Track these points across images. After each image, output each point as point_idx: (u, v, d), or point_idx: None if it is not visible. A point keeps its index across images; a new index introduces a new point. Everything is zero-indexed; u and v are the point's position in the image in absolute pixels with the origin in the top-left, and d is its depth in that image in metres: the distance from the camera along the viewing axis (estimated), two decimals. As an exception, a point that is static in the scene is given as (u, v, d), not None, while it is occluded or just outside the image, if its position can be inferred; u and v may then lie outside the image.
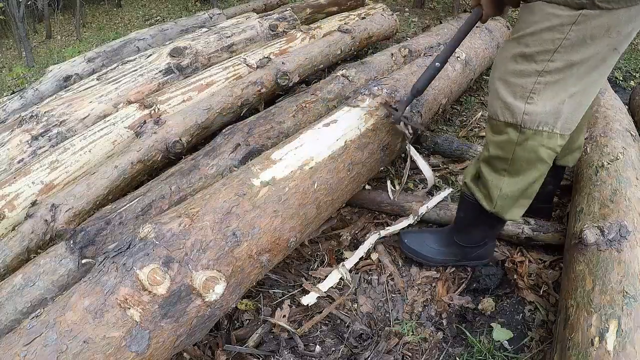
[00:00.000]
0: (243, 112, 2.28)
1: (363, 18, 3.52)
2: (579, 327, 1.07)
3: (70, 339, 0.90)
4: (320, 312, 1.44)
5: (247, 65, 2.54)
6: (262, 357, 1.32)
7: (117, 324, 0.94)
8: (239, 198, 1.20)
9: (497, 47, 2.95)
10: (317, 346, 1.36)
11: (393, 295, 1.52)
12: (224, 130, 1.85)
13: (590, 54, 0.99)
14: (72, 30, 9.20)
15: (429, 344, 1.36)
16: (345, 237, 1.72)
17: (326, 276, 1.53)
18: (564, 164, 1.56)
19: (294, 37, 2.98)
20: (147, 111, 2.13)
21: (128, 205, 1.48)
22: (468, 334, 1.38)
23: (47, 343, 0.89)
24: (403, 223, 1.72)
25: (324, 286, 1.49)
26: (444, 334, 1.40)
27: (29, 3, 8.56)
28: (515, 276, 1.53)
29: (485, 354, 1.30)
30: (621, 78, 3.57)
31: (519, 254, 1.62)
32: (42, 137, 2.05)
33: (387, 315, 1.45)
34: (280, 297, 1.50)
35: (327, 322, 1.43)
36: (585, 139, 1.71)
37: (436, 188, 1.96)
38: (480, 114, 2.64)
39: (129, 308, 0.95)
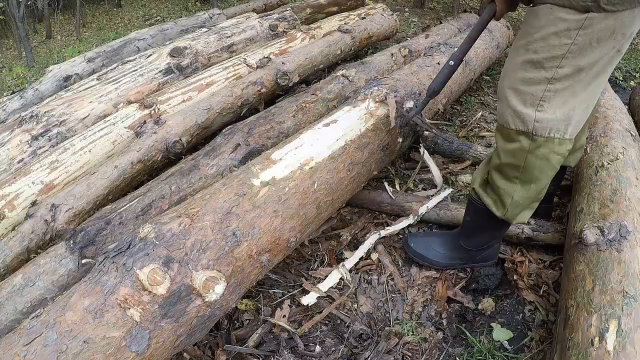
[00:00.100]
0: (243, 112, 2.28)
1: (363, 18, 3.52)
2: (579, 327, 1.07)
3: (70, 339, 0.90)
4: (320, 312, 1.44)
5: (247, 65, 2.54)
6: (262, 357, 1.32)
7: (117, 324, 0.94)
8: (239, 198, 1.20)
9: (497, 47, 2.95)
10: (317, 346, 1.36)
11: (393, 295, 1.52)
12: (224, 130, 1.85)
13: (597, 57, 0.99)
14: (72, 30, 9.20)
15: (429, 344, 1.36)
16: (345, 237, 1.72)
17: (326, 276, 1.53)
18: (566, 164, 1.56)
19: (294, 37, 2.98)
20: (147, 111, 2.13)
21: (128, 205, 1.48)
22: (468, 334, 1.38)
23: (47, 343, 0.89)
24: (403, 223, 1.72)
25: (324, 286, 1.49)
26: (444, 334, 1.40)
27: (29, 3, 8.56)
28: (515, 276, 1.53)
29: (485, 354, 1.30)
30: (621, 78, 3.57)
31: (519, 254, 1.62)
32: (42, 137, 2.05)
33: (387, 315, 1.45)
34: (280, 297, 1.50)
35: (327, 322, 1.43)
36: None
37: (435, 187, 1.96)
38: (480, 114, 2.64)
39: (129, 308, 0.95)
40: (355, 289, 1.53)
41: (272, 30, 3.16)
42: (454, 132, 2.48)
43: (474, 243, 1.49)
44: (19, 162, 1.97)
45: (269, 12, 3.45)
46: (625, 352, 0.97)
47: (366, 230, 1.76)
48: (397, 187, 1.97)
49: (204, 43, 2.78)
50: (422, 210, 1.73)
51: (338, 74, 2.26)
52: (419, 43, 2.76)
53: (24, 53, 7.04)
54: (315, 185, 1.37)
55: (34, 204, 1.65)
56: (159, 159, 1.89)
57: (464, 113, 2.70)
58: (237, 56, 2.67)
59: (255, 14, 3.51)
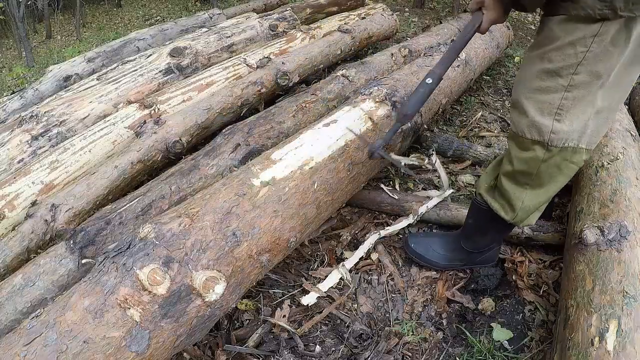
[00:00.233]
0: (243, 112, 2.28)
1: (363, 18, 3.52)
2: (579, 327, 1.07)
3: (70, 339, 0.90)
4: (320, 312, 1.44)
5: (247, 65, 2.54)
6: (262, 357, 1.32)
7: (117, 324, 0.94)
8: (239, 198, 1.20)
9: (497, 47, 2.95)
10: (317, 346, 1.36)
11: (393, 295, 1.52)
12: (224, 130, 1.85)
13: (613, 63, 0.98)
14: (72, 30, 9.20)
15: (429, 344, 1.36)
16: (345, 237, 1.72)
17: (326, 276, 1.53)
18: None
19: (294, 37, 2.98)
20: (147, 111, 2.13)
21: (128, 205, 1.48)
22: (468, 334, 1.38)
23: (47, 343, 0.89)
24: (403, 223, 1.72)
25: (324, 286, 1.49)
26: (444, 334, 1.40)
27: (29, 3, 8.56)
28: (515, 276, 1.53)
29: (485, 354, 1.30)
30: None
31: (518, 254, 1.62)
32: (42, 137, 2.04)
33: (387, 315, 1.45)
34: (280, 297, 1.50)
35: (327, 322, 1.43)
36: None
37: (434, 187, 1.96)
38: (480, 114, 2.64)
39: (129, 308, 0.95)
40: (355, 289, 1.53)
41: (272, 30, 3.15)
42: (454, 132, 2.48)
43: (474, 245, 1.49)
44: (19, 162, 1.97)
45: (269, 12, 3.45)
46: (625, 352, 0.97)
47: (366, 230, 1.76)
48: (397, 187, 1.97)
49: (204, 43, 2.78)
50: (422, 210, 1.73)
51: (338, 74, 2.26)
52: (419, 43, 2.76)
53: (24, 53, 7.04)
54: (315, 185, 1.37)
55: (34, 204, 1.65)
56: (159, 159, 1.89)
57: (464, 113, 2.70)
58: (237, 56, 2.67)
59: (255, 14, 3.51)
